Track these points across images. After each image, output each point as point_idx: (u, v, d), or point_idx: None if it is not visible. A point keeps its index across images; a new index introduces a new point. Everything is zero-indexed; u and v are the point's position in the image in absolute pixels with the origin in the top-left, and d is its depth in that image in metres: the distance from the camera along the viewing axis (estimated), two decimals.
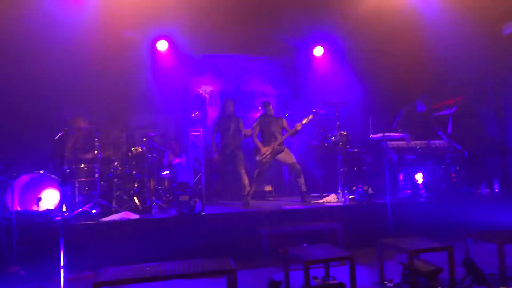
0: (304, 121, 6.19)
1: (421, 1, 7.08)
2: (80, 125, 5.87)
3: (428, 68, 7.56)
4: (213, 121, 6.74)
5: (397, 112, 6.82)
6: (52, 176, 5.18)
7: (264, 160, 6.23)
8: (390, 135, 5.83)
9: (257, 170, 6.30)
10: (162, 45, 7.38)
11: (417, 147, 6.27)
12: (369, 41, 7.59)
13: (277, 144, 6.24)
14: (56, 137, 4.05)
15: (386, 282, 4.00)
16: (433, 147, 6.39)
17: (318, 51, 8.06)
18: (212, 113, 7.97)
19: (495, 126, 7.21)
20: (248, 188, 6.17)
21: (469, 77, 7.29)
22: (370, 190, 5.92)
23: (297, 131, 6.23)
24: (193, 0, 6.44)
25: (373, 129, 6.07)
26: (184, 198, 5.15)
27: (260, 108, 7.71)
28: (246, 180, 6.22)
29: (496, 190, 6.26)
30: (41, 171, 5.18)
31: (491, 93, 7.33)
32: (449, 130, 6.55)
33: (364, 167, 6.68)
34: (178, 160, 7.04)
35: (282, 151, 6.28)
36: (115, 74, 6.87)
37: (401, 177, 6.43)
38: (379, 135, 5.71)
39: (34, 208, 4.90)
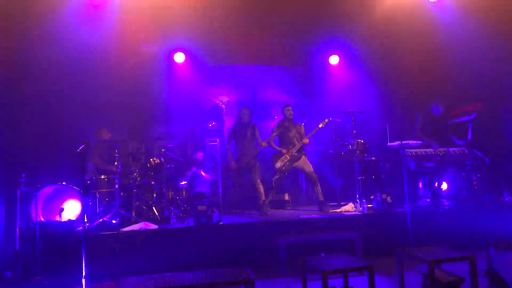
0: (320, 125, 6.22)
1: (436, 5, 7.03)
2: (103, 137, 6.03)
3: (446, 73, 7.47)
4: (229, 130, 6.76)
5: (415, 117, 6.74)
6: (74, 187, 5.33)
7: (283, 168, 6.23)
8: (408, 143, 5.75)
9: (275, 178, 6.30)
10: (179, 57, 7.54)
11: (438, 154, 6.18)
12: (384, 48, 7.57)
13: (296, 150, 6.23)
14: (78, 149, 4.16)
15: None
16: (452, 154, 6.28)
17: (334, 59, 8.08)
18: (229, 123, 8.05)
19: None
20: (263, 197, 6.18)
21: (488, 81, 7.16)
22: (388, 199, 5.86)
23: (313, 133, 6.26)
24: (209, 11, 6.57)
25: (390, 137, 6.02)
26: (202, 208, 5.20)
27: (276, 117, 7.76)
28: (261, 189, 6.23)
29: None
30: (64, 183, 5.33)
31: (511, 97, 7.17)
32: (469, 136, 6.43)
33: (382, 176, 6.61)
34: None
35: (300, 158, 6.26)
36: (133, 87, 7.05)
37: (420, 185, 6.34)
38: (397, 142, 5.65)
39: (57, 218, 5.04)
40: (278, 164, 6.26)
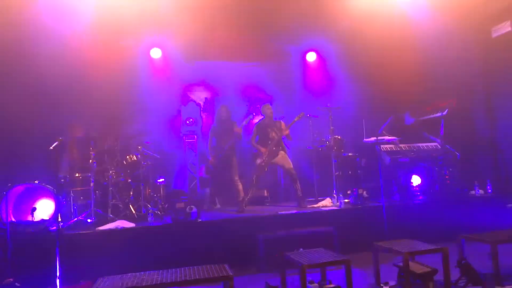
0: (296, 119, 6.19)
1: (411, 6, 7.18)
2: (76, 134, 5.88)
3: (420, 71, 7.63)
4: (210, 127, 6.77)
5: (386, 117, 6.88)
6: (47, 186, 5.16)
7: (262, 164, 6.24)
8: (383, 139, 5.88)
9: (255, 175, 6.31)
10: (156, 53, 7.42)
11: (412, 150, 6.32)
12: (360, 46, 7.66)
13: (273, 145, 6.23)
14: (51, 147, 4.04)
15: (382, 284, 4.01)
16: (425, 149, 6.44)
17: (311, 56, 8.12)
18: (207, 119, 8.00)
19: (487, 127, 7.29)
20: (242, 194, 6.18)
21: (460, 79, 7.38)
22: (365, 194, 5.97)
23: (288, 133, 6.23)
24: (186, 7, 6.48)
25: (366, 133, 6.12)
26: (180, 205, 5.15)
27: (254, 114, 7.75)
28: (240, 186, 6.23)
29: (489, 191, 6.32)
30: (36, 181, 5.16)
31: (482, 94, 7.42)
32: (442, 132, 6.61)
33: (359, 171, 6.71)
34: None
35: (278, 154, 6.27)
36: (109, 82, 6.88)
37: (395, 180, 6.47)
38: (372, 138, 5.76)
39: (29, 218, 4.88)
40: (258, 161, 6.27)
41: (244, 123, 6.33)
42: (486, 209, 5.78)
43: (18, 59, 6.00)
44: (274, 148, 6.23)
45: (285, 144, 6.41)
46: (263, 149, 6.24)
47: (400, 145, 6.42)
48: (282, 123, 6.47)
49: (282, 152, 6.31)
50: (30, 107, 6.26)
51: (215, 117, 6.64)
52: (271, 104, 6.55)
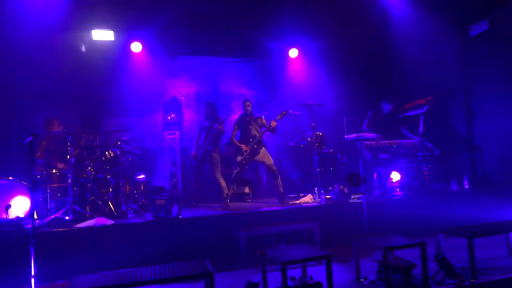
0: (278, 117, 6.16)
1: (391, 3, 7.27)
2: (53, 129, 5.72)
3: (400, 69, 7.77)
4: (191, 123, 6.72)
5: (366, 113, 6.96)
6: (22, 182, 5.01)
7: (243, 161, 6.22)
8: (364, 135, 5.92)
9: (236, 171, 6.29)
10: (136, 47, 7.29)
11: (392, 146, 6.40)
12: (342, 43, 7.73)
13: (255, 143, 6.21)
14: (26, 142, 3.91)
15: (362, 279, 4.06)
16: (405, 146, 6.54)
17: (293, 53, 8.13)
18: (188, 115, 7.92)
19: (464, 124, 7.46)
20: (226, 191, 6.15)
21: (439, 77, 7.53)
22: (346, 190, 5.99)
23: (273, 128, 6.18)
24: (168, 1, 6.40)
25: (347, 130, 6.17)
26: (161, 202, 5.08)
27: (236, 110, 7.72)
28: (223, 183, 6.20)
29: (466, 186, 6.46)
30: (10, 178, 5.01)
31: (460, 92, 7.58)
32: (421, 129, 6.72)
33: (340, 167, 6.77)
34: None
35: (259, 151, 6.26)
36: (88, 77, 6.76)
37: (375, 176, 6.55)
38: (353, 135, 5.80)
39: (3, 216, 4.74)
40: (239, 158, 6.25)
41: (221, 120, 6.29)
42: (463, 204, 5.90)
43: None
44: (255, 146, 6.21)
45: (264, 141, 6.40)
46: (244, 147, 6.21)
47: (380, 142, 6.49)
48: (263, 119, 6.45)
49: (263, 149, 6.29)
50: (5, 101, 6.08)
51: (202, 113, 6.60)
52: (252, 101, 6.52)
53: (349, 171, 6.80)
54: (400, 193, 6.38)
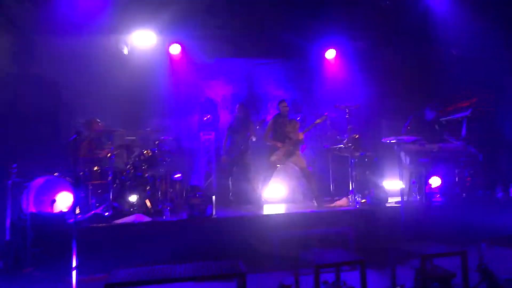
0: (317, 121, 6.14)
1: (434, 0, 7.01)
2: (94, 128, 5.96)
3: (443, 69, 7.46)
4: (227, 125, 6.79)
5: (407, 117, 6.74)
6: (66, 178, 5.27)
7: (277, 162, 6.20)
8: (403, 138, 5.74)
9: (267, 172, 6.28)
10: (175, 49, 7.46)
11: (432, 150, 6.18)
12: (381, 43, 7.54)
13: (290, 145, 6.18)
14: (70, 140, 4.11)
15: (398, 287, 3.94)
16: (447, 150, 6.28)
17: (330, 53, 8.03)
18: (224, 116, 8.01)
19: (511, 128, 7.06)
20: (258, 191, 6.17)
21: (486, 78, 7.16)
22: (382, 194, 5.86)
23: (310, 128, 6.19)
24: (206, 3, 6.50)
25: (385, 132, 6.02)
26: (196, 201, 5.17)
27: (271, 111, 7.72)
28: (255, 184, 6.22)
29: None
30: (56, 174, 5.27)
31: (508, 93, 7.18)
32: (463, 133, 6.43)
33: (377, 171, 6.60)
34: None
35: (294, 153, 6.21)
36: (128, 77, 6.98)
37: (414, 181, 6.34)
38: (391, 138, 5.65)
39: (49, 210, 4.99)
40: (272, 158, 6.24)
41: (257, 125, 6.29)
42: (508, 213, 5.59)
43: (38, 51, 6.12)
44: (291, 148, 6.17)
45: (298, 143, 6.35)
46: (279, 144, 6.18)
47: (421, 145, 6.28)
48: (297, 122, 6.44)
49: (297, 151, 6.26)
50: (51, 101, 6.41)
51: (234, 116, 6.64)
52: (288, 102, 6.48)
53: (386, 175, 6.68)
54: (440, 199, 6.16)
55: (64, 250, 4.17)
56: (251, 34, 7.51)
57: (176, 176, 6.48)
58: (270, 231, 4.97)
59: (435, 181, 6.35)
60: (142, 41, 7.25)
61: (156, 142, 6.15)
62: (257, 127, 6.30)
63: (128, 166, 5.75)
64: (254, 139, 6.32)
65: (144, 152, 5.99)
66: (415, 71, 7.85)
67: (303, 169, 6.22)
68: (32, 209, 5.03)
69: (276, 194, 6.99)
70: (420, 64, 7.84)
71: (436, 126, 6.57)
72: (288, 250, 4.57)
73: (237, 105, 6.65)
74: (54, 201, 5.02)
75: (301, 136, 6.17)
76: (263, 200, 6.19)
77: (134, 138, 6.36)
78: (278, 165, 6.28)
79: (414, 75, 7.83)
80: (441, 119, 6.69)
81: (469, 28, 6.86)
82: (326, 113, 6.44)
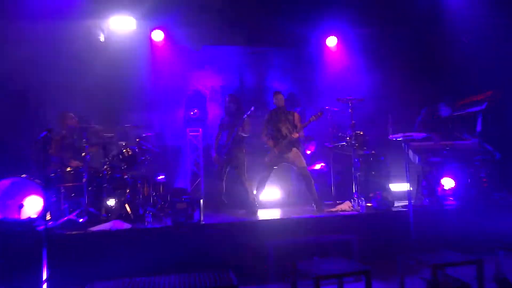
0: (312, 118, 6.03)
1: None
2: (67, 123, 5.91)
3: (456, 60, 7.51)
4: (217, 119, 6.76)
5: (420, 111, 6.77)
6: (35, 180, 5.21)
7: (272, 162, 6.20)
8: (412, 135, 5.77)
9: (263, 174, 6.28)
10: (157, 36, 7.42)
11: (444, 148, 6.21)
12: (387, 30, 7.55)
13: (286, 142, 6.17)
14: (39, 137, 4.06)
15: None
16: (460, 148, 6.32)
17: (331, 41, 8.04)
18: (213, 110, 7.99)
19: None
20: (252, 195, 6.16)
21: (502, 70, 7.22)
22: (389, 197, 5.89)
23: (305, 125, 6.15)
24: None
25: (393, 129, 6.04)
26: (181, 205, 5.15)
27: (266, 105, 7.71)
28: (249, 187, 6.20)
29: None
30: (23, 175, 5.21)
31: None
32: (478, 128, 6.48)
33: (383, 171, 6.64)
34: None
35: (291, 151, 6.18)
36: (105, 68, 6.93)
37: (424, 182, 6.38)
38: (399, 135, 5.67)
39: (15, 216, 4.94)
40: (267, 159, 6.24)
41: (246, 115, 6.24)
42: None
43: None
44: (286, 145, 6.15)
45: (300, 140, 6.33)
46: (270, 143, 6.17)
47: (431, 143, 6.31)
48: (296, 114, 6.36)
49: (294, 148, 6.22)
50: (18, 94, 6.34)
51: (224, 109, 6.59)
52: (284, 94, 6.47)
53: (393, 175, 6.71)
54: (453, 202, 6.20)
55: (33, 261, 4.13)
56: (243, 19, 7.49)
57: (159, 177, 6.45)
58: (264, 239, 4.96)
59: (447, 183, 6.40)
60: (121, 27, 7.20)
61: (137, 140, 6.11)
62: (245, 117, 6.22)
63: (105, 167, 5.71)
64: (245, 135, 6.27)
65: (123, 151, 5.95)
66: (425, 60, 7.89)
67: (301, 169, 6.20)
68: None
69: (271, 198, 7.00)
70: (431, 53, 7.88)
71: (449, 122, 6.60)
72: (285, 259, 4.56)
73: (227, 97, 6.53)
74: (21, 206, 4.96)
75: (295, 135, 6.11)
76: (257, 204, 6.18)
77: (112, 135, 6.30)
78: (275, 166, 6.28)
79: (424, 65, 7.87)
80: (454, 114, 6.73)
81: (482, 13, 6.91)
82: (327, 107, 6.45)
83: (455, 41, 7.41)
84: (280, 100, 6.31)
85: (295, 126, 6.21)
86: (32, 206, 5.15)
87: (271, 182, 6.76)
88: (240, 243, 5.03)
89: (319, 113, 6.05)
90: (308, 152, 7.46)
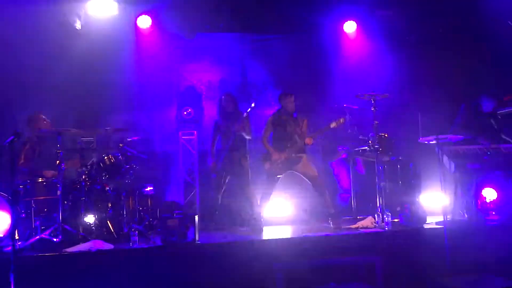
0: (332, 125, 6.17)
1: None
2: (39, 126, 5.96)
3: (500, 47, 7.51)
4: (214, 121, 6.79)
5: (457, 109, 6.77)
6: (1, 193, 5.26)
7: (274, 171, 6.24)
8: (446, 137, 5.79)
9: (266, 185, 6.33)
10: (143, 22, 7.47)
11: (485, 153, 6.20)
12: (415, 14, 7.55)
13: (294, 151, 6.23)
14: (5, 142, 4.11)
15: None
16: (504, 153, 6.31)
17: (349, 26, 8.06)
18: (210, 110, 8.02)
19: None
20: (258, 209, 6.19)
21: None
22: (420, 212, 5.88)
23: (322, 132, 6.23)
24: None
25: (423, 130, 6.04)
26: (173, 222, 5.18)
27: (272, 103, 7.75)
28: (254, 199, 6.24)
29: None
30: None
31: None
32: None
33: (412, 181, 6.65)
34: None
35: (299, 161, 6.28)
36: (82, 61, 6.98)
37: (462, 193, 6.38)
38: (432, 137, 5.69)
39: None
40: (267, 166, 6.28)
41: (246, 113, 6.29)
42: None
43: None
44: (293, 155, 6.22)
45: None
46: (275, 155, 6.25)
47: (473, 147, 6.31)
48: (305, 121, 6.48)
49: (304, 157, 6.32)
50: None
51: (218, 109, 6.64)
52: (294, 91, 6.51)
53: (425, 186, 6.71)
54: (496, 217, 6.19)
55: None
56: (243, 1, 7.54)
57: (147, 189, 6.48)
58: (271, 262, 4.98)
59: (489, 194, 6.39)
60: (100, 12, 7.24)
61: (120, 145, 6.15)
62: (244, 115, 6.27)
63: (83, 177, 5.74)
64: (247, 137, 6.32)
65: (105, 158, 5.99)
66: (461, 48, 7.88)
67: (313, 178, 6.27)
68: None
69: (279, 213, 7.02)
70: (468, 39, 7.87)
71: (492, 121, 6.59)
72: (296, 286, 4.58)
73: (222, 96, 6.62)
74: None
75: (309, 141, 6.22)
76: (262, 220, 6.20)
77: (91, 139, 6.35)
78: (279, 176, 6.31)
79: (461, 54, 7.86)
80: (498, 112, 6.72)
81: None
82: (344, 104, 6.46)
83: (499, 24, 7.41)
84: (290, 103, 6.38)
85: (303, 133, 6.34)
86: None
87: (280, 194, 6.79)
88: (242, 267, 5.04)
89: (341, 120, 6.19)
90: None
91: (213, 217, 6.66)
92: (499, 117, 6.71)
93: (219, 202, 6.66)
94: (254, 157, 6.63)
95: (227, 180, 6.48)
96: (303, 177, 6.41)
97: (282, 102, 6.45)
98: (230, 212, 6.69)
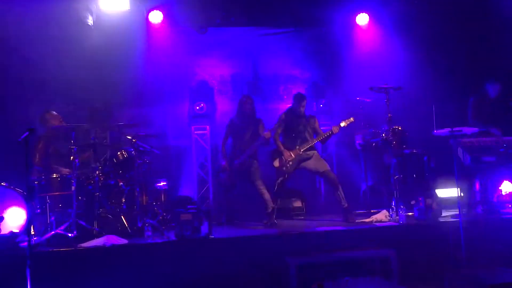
0: (342, 124, 6.24)
1: None
2: (52, 123, 5.99)
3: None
4: (227, 115, 6.79)
5: (468, 102, 6.71)
6: (17, 189, 5.31)
7: (283, 168, 6.24)
8: (461, 130, 5.74)
9: (278, 180, 6.33)
10: (155, 17, 7.48)
11: (501, 145, 6.14)
12: (428, 7, 7.47)
13: (304, 148, 6.25)
14: (20, 139, 4.14)
15: None
16: None
17: (362, 19, 8.01)
18: (222, 104, 8.03)
19: None
20: (271, 204, 6.20)
21: None
22: (435, 205, 5.84)
23: (331, 135, 6.31)
24: None
25: (438, 123, 5.99)
26: (186, 217, 5.20)
27: (285, 97, 7.74)
28: (266, 194, 6.25)
29: None
30: (3, 183, 5.31)
31: None
32: None
33: (427, 174, 6.60)
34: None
35: (310, 157, 6.31)
36: (95, 56, 7.01)
37: (477, 186, 6.33)
38: (446, 130, 5.64)
39: None
40: (276, 163, 6.29)
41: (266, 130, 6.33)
42: None
43: None
44: (303, 152, 6.27)
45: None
46: (286, 154, 6.26)
47: (488, 139, 6.25)
48: (316, 120, 6.52)
49: (314, 153, 6.35)
50: None
51: (237, 110, 6.64)
52: (307, 84, 6.51)
53: (440, 179, 6.66)
54: None
55: (15, 282, 4.22)
56: None
57: (160, 184, 6.51)
58: (285, 256, 4.98)
59: (505, 187, 6.35)
60: (112, 7, 7.26)
61: (133, 140, 6.17)
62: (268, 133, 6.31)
63: (97, 172, 5.78)
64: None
65: (118, 154, 6.03)
66: (476, 39, 7.80)
67: (325, 173, 6.30)
68: None
69: (291, 207, 7.02)
70: (483, 31, 7.79)
71: (504, 108, 6.52)
72: (310, 280, 4.58)
73: (243, 98, 6.64)
74: (1, 218, 5.06)
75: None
76: (275, 214, 6.21)
77: (104, 135, 6.39)
78: (289, 171, 6.32)
79: (476, 46, 7.77)
80: (510, 102, 6.64)
81: None
82: (358, 97, 6.46)
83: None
84: (302, 105, 6.40)
85: (315, 131, 6.40)
86: (14, 219, 5.24)
87: (293, 188, 6.78)
88: (256, 261, 5.05)
89: (351, 119, 6.28)
90: None
91: (227, 212, 6.68)
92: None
93: (232, 197, 6.68)
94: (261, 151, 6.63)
95: (237, 183, 6.53)
96: (315, 173, 6.42)
97: (295, 102, 6.45)
98: (242, 207, 6.70)
